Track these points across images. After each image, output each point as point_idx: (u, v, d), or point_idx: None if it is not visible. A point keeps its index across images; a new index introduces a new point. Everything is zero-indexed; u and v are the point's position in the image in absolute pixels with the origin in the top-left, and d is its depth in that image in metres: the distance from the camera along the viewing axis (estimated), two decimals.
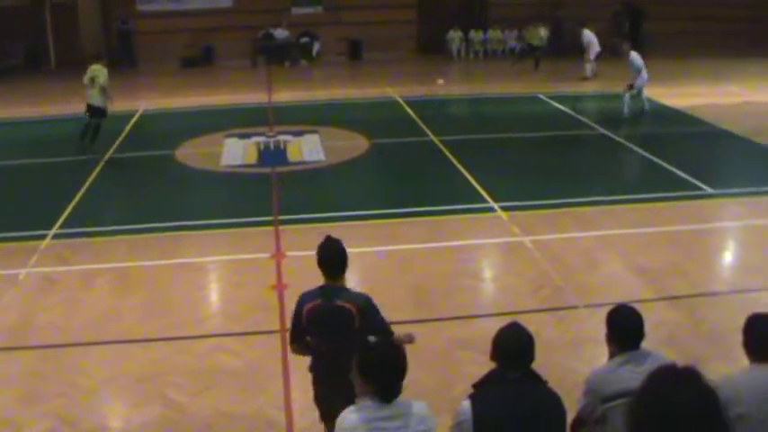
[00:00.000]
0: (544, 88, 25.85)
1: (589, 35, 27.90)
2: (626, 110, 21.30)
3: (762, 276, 11.36)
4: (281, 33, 32.60)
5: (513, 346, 5.06)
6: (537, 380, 5.08)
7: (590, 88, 26.14)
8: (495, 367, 5.09)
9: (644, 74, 21.21)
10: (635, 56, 21.30)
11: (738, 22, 33.55)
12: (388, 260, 11.95)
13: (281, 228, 13.18)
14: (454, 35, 33.80)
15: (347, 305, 6.11)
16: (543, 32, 31.28)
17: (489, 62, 33.42)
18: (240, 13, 32.21)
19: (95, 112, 18.28)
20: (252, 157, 17.80)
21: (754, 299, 10.51)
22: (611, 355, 5.46)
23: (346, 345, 5.70)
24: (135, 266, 11.72)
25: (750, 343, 5.31)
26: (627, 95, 21.36)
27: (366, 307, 6.18)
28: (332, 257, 6.28)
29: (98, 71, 18.06)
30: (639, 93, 21.40)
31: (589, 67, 27.81)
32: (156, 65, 31.24)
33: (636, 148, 18.24)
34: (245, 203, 14.79)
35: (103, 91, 18.09)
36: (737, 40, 33.20)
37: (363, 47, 33.38)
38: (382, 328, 6.20)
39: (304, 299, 6.33)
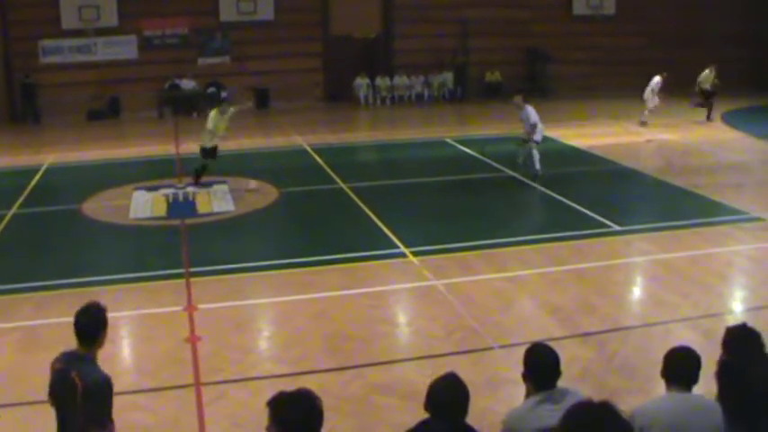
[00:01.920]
0: (451, 133, 26.15)
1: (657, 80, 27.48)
2: (538, 166, 19.25)
3: (669, 309, 11.61)
4: (187, 84, 32.46)
5: (445, 398, 5.08)
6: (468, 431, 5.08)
7: (496, 131, 26.46)
8: (426, 418, 5.09)
9: (540, 127, 19.55)
10: (531, 110, 19.63)
11: (637, 64, 34.51)
12: (302, 309, 11.88)
13: (192, 280, 13.01)
14: (361, 82, 34.04)
15: (77, 379, 5.66)
16: (712, 75, 28.78)
17: (396, 108, 33.71)
18: (146, 64, 31.98)
19: (202, 152, 19.48)
20: (161, 210, 17.59)
21: (662, 331, 10.76)
22: (528, 394, 5.51)
23: (69, 417, 5.66)
24: (42, 324, 11.40)
25: (665, 370, 5.65)
26: (534, 151, 19.43)
27: (92, 389, 5.69)
28: (82, 325, 5.90)
29: (210, 116, 19.35)
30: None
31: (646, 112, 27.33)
32: (62, 118, 30.76)
33: (543, 189, 18.54)
34: (155, 257, 14.57)
35: (210, 134, 19.14)
36: (637, 81, 34.08)
37: (270, 96, 33.40)
38: (99, 418, 5.78)
39: (56, 358, 5.98)
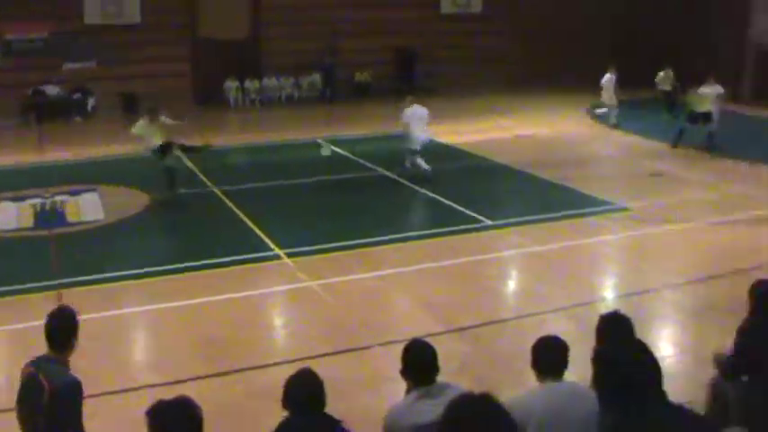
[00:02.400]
0: (322, 133, 26.08)
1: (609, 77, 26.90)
2: (425, 166, 19.27)
3: (542, 300, 11.86)
4: (52, 90, 31.58)
5: (301, 393, 5.17)
6: (329, 422, 5.10)
7: (367, 131, 26.45)
8: (287, 415, 5.09)
9: (416, 134, 19.27)
10: (408, 112, 19.37)
11: (505, 62, 35.05)
12: (177, 316, 11.69)
13: (62, 291, 12.65)
14: (231, 84, 33.71)
15: (44, 381, 5.66)
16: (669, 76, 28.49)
17: (266, 110, 33.45)
18: (7, 70, 30.98)
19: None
20: (28, 220, 17.08)
21: (537, 322, 10.97)
22: (408, 391, 5.54)
23: (39, 423, 5.59)
24: None
25: (534, 361, 5.74)
26: (416, 159, 19.36)
27: (60, 391, 5.67)
28: (53, 329, 6.01)
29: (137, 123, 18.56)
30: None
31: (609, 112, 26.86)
32: None
33: (415, 187, 18.68)
34: (24, 269, 14.07)
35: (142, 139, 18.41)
36: (508, 78, 34.65)
37: (139, 101, 32.74)
38: (69, 423, 5.74)
39: (26, 363, 6.01)
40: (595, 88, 26.85)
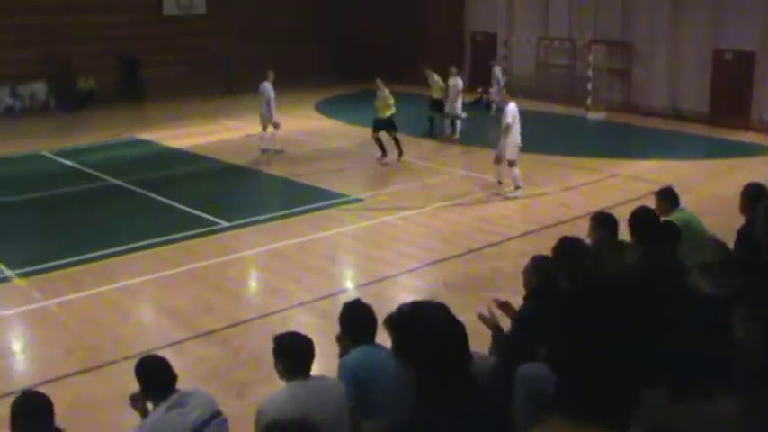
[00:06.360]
0: (47, 145, 24.99)
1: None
2: None
3: (285, 296, 12.05)
4: None
5: (21, 410, 5.20)
6: None
7: (93, 140, 25.56)
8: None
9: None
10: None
11: (229, 63, 34.87)
12: None
13: None
14: None
15: None
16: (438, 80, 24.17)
17: None
18: None
19: None
20: None
21: (281, 318, 11.13)
22: (154, 404, 5.51)
23: None
24: None
25: (282, 361, 5.74)
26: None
27: None
28: None
29: None
30: None
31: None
32: None
33: (149, 194, 18.28)
34: None
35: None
36: (237, 78, 34.41)
37: None
38: None
39: None
40: (319, 86, 27.22)
